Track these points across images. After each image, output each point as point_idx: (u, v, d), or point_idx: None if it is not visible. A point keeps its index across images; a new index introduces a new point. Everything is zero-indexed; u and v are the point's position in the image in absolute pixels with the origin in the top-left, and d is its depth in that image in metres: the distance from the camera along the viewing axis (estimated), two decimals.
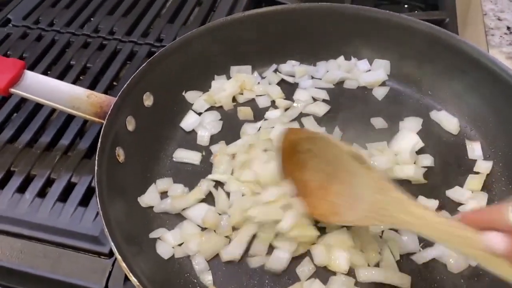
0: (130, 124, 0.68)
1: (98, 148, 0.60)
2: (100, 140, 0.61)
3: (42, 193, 0.69)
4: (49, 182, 0.71)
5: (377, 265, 0.60)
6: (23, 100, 0.81)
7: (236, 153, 0.70)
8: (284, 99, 0.79)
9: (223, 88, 0.79)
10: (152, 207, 0.65)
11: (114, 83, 0.85)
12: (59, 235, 0.64)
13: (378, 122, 0.76)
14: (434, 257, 0.60)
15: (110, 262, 0.62)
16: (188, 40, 0.77)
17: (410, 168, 0.67)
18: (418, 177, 0.67)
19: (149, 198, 0.65)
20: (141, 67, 0.70)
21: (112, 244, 0.51)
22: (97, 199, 0.55)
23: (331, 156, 0.60)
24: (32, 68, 0.86)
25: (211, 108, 0.78)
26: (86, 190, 0.69)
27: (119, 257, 0.50)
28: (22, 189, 0.69)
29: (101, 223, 0.55)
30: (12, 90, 0.66)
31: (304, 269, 0.59)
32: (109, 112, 0.64)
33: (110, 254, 0.62)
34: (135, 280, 0.48)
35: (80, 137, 0.77)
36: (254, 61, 0.83)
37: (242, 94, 0.80)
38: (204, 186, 0.66)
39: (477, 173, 0.69)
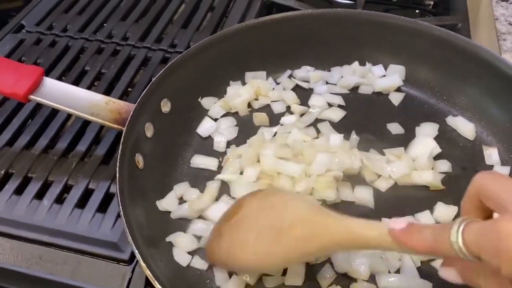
0: (149, 131, 0.68)
1: (119, 155, 0.60)
2: (120, 147, 0.61)
3: (59, 200, 0.69)
4: (66, 189, 0.71)
5: (397, 271, 0.60)
6: (38, 107, 0.81)
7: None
8: (299, 104, 0.79)
9: (238, 94, 0.79)
10: (170, 212, 0.65)
11: (129, 89, 0.86)
12: (78, 241, 0.64)
13: (395, 128, 0.76)
14: None
15: (130, 268, 0.62)
16: (204, 46, 0.77)
17: (428, 174, 0.67)
18: (436, 183, 0.67)
19: (167, 203, 0.65)
20: (159, 73, 0.71)
21: (136, 251, 0.51)
22: (120, 205, 0.55)
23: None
24: (47, 73, 0.86)
25: (226, 114, 0.79)
26: (104, 196, 0.69)
27: (143, 264, 0.50)
28: (39, 195, 0.69)
29: (121, 230, 0.55)
30: (32, 97, 0.66)
31: (325, 275, 0.59)
32: (129, 118, 0.64)
33: (130, 260, 0.62)
34: (160, 287, 0.48)
35: (97, 143, 0.77)
36: (268, 67, 0.83)
37: (257, 100, 0.80)
38: (214, 185, 0.67)
39: None
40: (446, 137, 0.74)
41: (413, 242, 0.43)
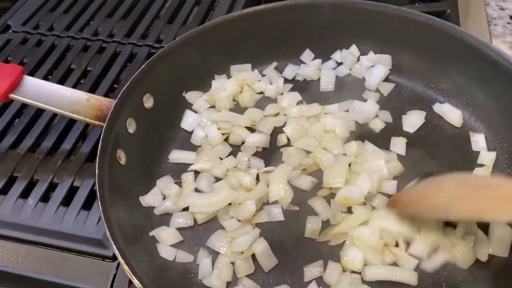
0: (131, 126, 0.68)
1: (99, 151, 0.59)
2: (100, 143, 0.61)
3: (45, 198, 0.69)
4: (52, 187, 0.71)
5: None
6: (25, 106, 0.81)
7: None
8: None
9: (223, 88, 0.79)
10: (154, 208, 0.65)
11: (115, 86, 0.85)
12: (63, 239, 0.64)
13: (384, 116, 0.75)
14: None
15: (115, 265, 0.62)
16: (186, 40, 0.76)
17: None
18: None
19: (150, 198, 0.65)
20: (139, 69, 0.70)
21: (114, 247, 0.50)
22: (99, 203, 0.55)
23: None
24: (33, 73, 0.87)
25: (212, 107, 0.78)
26: (88, 194, 0.69)
27: (121, 260, 0.50)
28: (25, 194, 0.70)
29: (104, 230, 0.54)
30: (12, 95, 0.66)
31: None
32: (109, 114, 0.64)
33: (114, 257, 0.62)
34: (137, 282, 0.48)
35: (82, 140, 0.77)
36: (254, 59, 0.83)
37: (241, 92, 0.80)
38: (189, 178, 0.68)
39: (482, 165, 0.68)
40: (433, 125, 0.74)
41: None
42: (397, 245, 0.60)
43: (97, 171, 0.58)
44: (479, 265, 0.59)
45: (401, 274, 0.58)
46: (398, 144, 0.71)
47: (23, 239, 0.65)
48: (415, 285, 0.58)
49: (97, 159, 0.59)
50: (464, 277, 0.58)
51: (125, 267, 0.49)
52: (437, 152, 0.70)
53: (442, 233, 0.60)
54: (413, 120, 0.74)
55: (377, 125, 0.75)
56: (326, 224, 0.63)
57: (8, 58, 0.90)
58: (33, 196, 0.69)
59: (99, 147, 0.60)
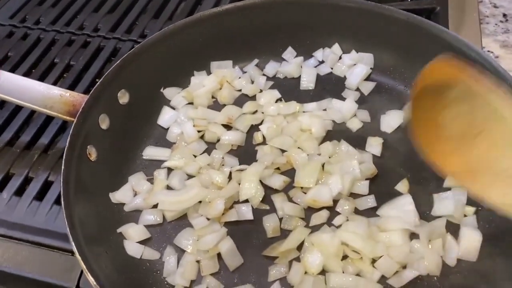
0: (104, 122, 0.68)
1: (66, 147, 0.60)
2: (69, 139, 0.61)
3: (19, 192, 0.70)
4: (27, 181, 0.71)
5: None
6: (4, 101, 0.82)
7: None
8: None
9: (202, 84, 0.78)
10: (123, 205, 0.65)
11: (97, 80, 0.85)
12: (34, 234, 0.65)
13: (362, 116, 0.74)
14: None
15: None
16: (165, 35, 0.76)
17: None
18: None
19: (121, 195, 0.65)
20: (114, 65, 0.70)
21: (73, 244, 0.51)
22: (62, 199, 0.55)
23: (474, 104, 0.52)
24: (16, 67, 0.87)
25: (190, 104, 0.78)
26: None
27: (78, 256, 0.50)
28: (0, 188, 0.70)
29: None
30: None
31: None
32: (80, 110, 0.64)
33: None
34: (92, 279, 0.48)
35: (63, 134, 0.77)
36: (235, 55, 0.82)
37: (221, 89, 0.79)
38: (162, 174, 0.68)
39: None
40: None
41: None
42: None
43: (63, 167, 0.58)
44: (447, 271, 0.58)
45: (366, 285, 0.56)
46: (374, 144, 0.70)
47: None
48: None
49: (64, 155, 0.59)
50: (432, 284, 0.57)
51: (82, 264, 0.49)
52: (414, 153, 0.69)
53: (410, 249, 0.58)
54: (391, 121, 0.73)
55: (355, 125, 0.74)
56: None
57: None
58: (7, 190, 0.70)
59: (67, 143, 0.60)
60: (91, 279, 0.48)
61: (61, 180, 0.57)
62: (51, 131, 0.77)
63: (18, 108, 0.80)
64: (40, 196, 0.69)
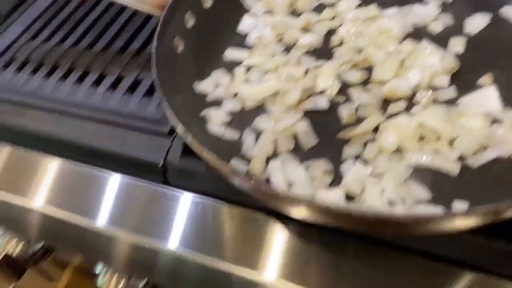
0: (189, 21, 0.72)
1: (157, 32, 0.64)
2: (159, 26, 0.66)
3: (113, 86, 0.77)
4: (119, 79, 0.78)
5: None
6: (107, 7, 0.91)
7: None
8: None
9: None
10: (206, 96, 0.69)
11: None
12: (127, 118, 0.72)
13: (446, 18, 0.72)
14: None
15: (169, 140, 0.68)
16: None
17: None
18: None
19: (205, 85, 0.69)
20: None
21: (177, 122, 0.55)
22: (153, 70, 0.60)
23: None
24: None
25: (270, 12, 0.80)
26: (151, 85, 0.75)
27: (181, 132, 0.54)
28: (97, 83, 0.78)
29: (163, 108, 0.59)
30: None
31: None
32: (169, 4, 0.68)
33: (169, 133, 0.68)
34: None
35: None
36: None
37: None
38: (241, 71, 0.71)
39: None
40: (498, 29, 0.69)
41: None
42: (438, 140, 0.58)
43: (154, 51, 0.62)
44: None
45: (443, 162, 0.56)
46: (457, 44, 0.68)
47: (92, 117, 0.73)
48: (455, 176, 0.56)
49: (155, 40, 0.64)
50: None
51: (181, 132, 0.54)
52: (497, 58, 0.66)
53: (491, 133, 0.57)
54: (475, 22, 0.70)
55: (436, 27, 0.72)
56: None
57: None
58: (103, 85, 0.77)
59: (157, 29, 0.65)
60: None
61: (153, 62, 0.61)
62: (143, 35, 0.84)
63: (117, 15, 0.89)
64: (131, 90, 0.76)
